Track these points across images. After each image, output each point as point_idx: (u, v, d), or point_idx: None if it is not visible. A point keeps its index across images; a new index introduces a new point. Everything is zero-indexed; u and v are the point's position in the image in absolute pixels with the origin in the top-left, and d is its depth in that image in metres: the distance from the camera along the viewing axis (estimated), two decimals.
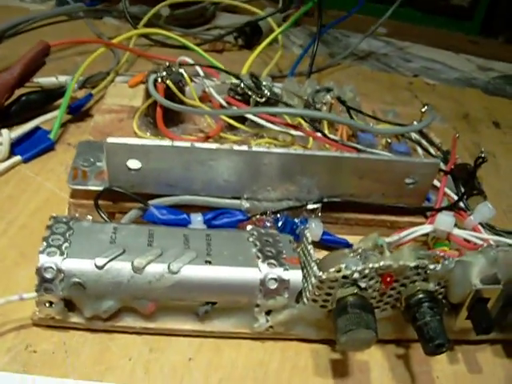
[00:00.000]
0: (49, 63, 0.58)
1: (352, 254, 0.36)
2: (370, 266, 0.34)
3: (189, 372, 0.35)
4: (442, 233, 0.43)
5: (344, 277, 0.34)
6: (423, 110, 0.57)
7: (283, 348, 0.37)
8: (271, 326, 0.37)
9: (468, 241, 0.43)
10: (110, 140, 0.39)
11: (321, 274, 0.34)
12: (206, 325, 0.37)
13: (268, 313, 0.36)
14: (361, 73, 0.79)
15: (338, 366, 0.37)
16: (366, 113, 0.53)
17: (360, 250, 0.36)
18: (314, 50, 0.69)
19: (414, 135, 0.54)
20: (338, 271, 0.34)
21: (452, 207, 0.46)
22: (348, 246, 0.44)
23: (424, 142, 0.54)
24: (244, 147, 0.40)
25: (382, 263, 0.34)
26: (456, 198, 0.48)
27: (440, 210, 0.46)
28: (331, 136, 0.48)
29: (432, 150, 0.54)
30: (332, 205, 0.44)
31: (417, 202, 0.46)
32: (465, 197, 0.48)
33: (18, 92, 0.53)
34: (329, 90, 0.55)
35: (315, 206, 0.43)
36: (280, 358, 0.37)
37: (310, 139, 0.50)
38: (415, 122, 0.54)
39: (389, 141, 0.54)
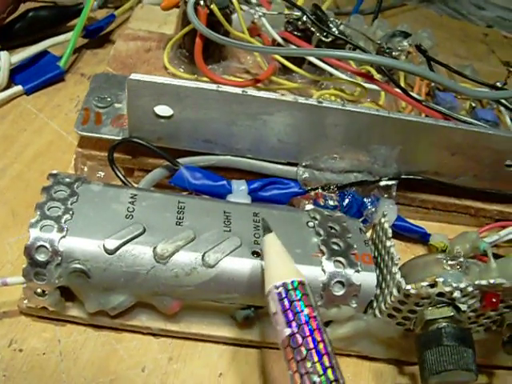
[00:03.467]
0: None
1: (450, 262, 0.27)
2: (477, 283, 0.25)
3: None
4: None
5: (440, 294, 0.25)
6: None
7: None
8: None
9: None
10: (135, 76, 0.29)
11: (409, 287, 0.25)
12: (244, 332, 0.29)
13: (326, 324, 0.28)
14: (429, 17, 0.67)
15: None
16: (453, 68, 0.43)
17: (461, 259, 0.27)
18: None
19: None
20: (433, 286, 0.25)
21: None
22: (425, 235, 0.36)
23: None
24: (313, 101, 0.30)
25: (492, 281, 0.25)
26: None
27: None
28: (412, 94, 0.38)
29: None
30: (409, 183, 0.35)
31: None
32: None
33: (24, 6, 0.44)
34: (406, 36, 0.44)
35: (391, 182, 0.34)
36: None
37: (382, 94, 0.41)
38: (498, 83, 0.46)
39: (473, 105, 0.44)
